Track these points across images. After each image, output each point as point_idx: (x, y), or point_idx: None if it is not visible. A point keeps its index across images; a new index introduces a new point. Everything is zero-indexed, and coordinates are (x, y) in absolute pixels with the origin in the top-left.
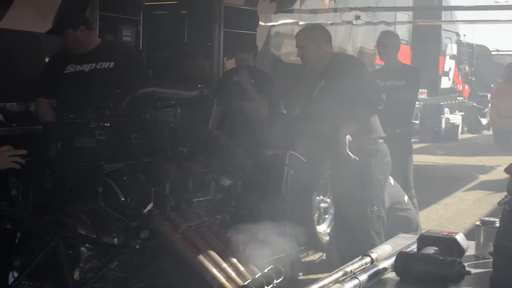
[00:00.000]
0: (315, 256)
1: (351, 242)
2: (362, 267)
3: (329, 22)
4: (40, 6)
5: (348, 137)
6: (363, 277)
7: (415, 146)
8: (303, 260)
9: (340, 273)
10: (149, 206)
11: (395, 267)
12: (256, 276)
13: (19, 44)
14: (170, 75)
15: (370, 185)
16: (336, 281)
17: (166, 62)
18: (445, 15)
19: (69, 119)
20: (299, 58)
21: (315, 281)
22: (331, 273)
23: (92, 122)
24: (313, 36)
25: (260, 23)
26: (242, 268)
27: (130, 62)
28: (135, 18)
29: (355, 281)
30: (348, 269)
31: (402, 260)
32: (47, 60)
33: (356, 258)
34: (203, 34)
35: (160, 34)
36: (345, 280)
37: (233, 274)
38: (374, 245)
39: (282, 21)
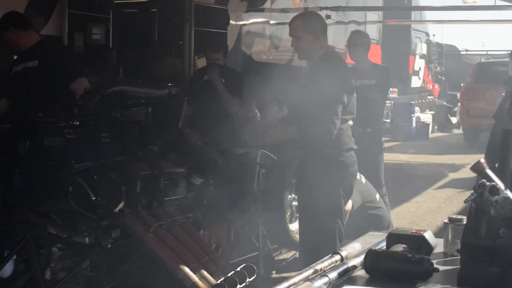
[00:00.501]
0: (288, 254)
1: (304, 251)
2: (332, 265)
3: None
4: (8, 3)
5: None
6: (333, 274)
7: (386, 144)
8: (276, 258)
9: (310, 271)
10: (120, 205)
11: (365, 264)
12: (229, 275)
13: None
14: (140, 73)
15: (329, 197)
16: (306, 279)
17: (137, 61)
18: (414, 15)
19: (38, 118)
20: (293, 48)
21: (285, 279)
22: (301, 271)
23: (61, 120)
24: (310, 25)
25: (231, 21)
26: (214, 267)
27: (55, 59)
28: (104, 16)
29: (325, 279)
30: (318, 267)
31: (371, 257)
32: None
33: (326, 256)
34: (173, 32)
35: (130, 32)
36: (315, 278)
37: (205, 273)
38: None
39: (253, 20)
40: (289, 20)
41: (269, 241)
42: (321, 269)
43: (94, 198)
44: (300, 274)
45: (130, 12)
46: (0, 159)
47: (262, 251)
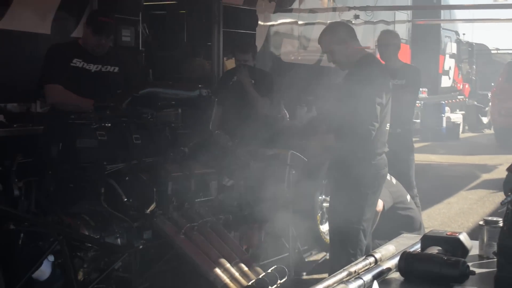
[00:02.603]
0: (318, 256)
1: (332, 252)
2: (366, 267)
3: (328, 22)
4: (39, 6)
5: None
6: (367, 277)
7: (416, 145)
8: (306, 260)
9: (344, 273)
10: (152, 206)
11: (399, 267)
12: (260, 276)
13: (18, 45)
14: (170, 75)
15: (358, 199)
16: (341, 281)
17: (166, 63)
18: (444, 14)
19: (70, 120)
20: (331, 63)
21: (319, 281)
22: (335, 273)
23: (93, 122)
24: (338, 36)
25: (259, 22)
26: (245, 268)
27: (132, 68)
28: (134, 18)
29: (360, 281)
30: (352, 269)
31: (406, 260)
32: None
33: (360, 258)
34: (202, 34)
35: (159, 34)
36: (350, 280)
37: (236, 274)
38: (349, 261)
39: (281, 21)
40: (317, 20)
41: (299, 242)
42: (355, 271)
43: (125, 200)
44: (334, 276)
45: (159, 14)
46: (34, 161)
47: (293, 252)
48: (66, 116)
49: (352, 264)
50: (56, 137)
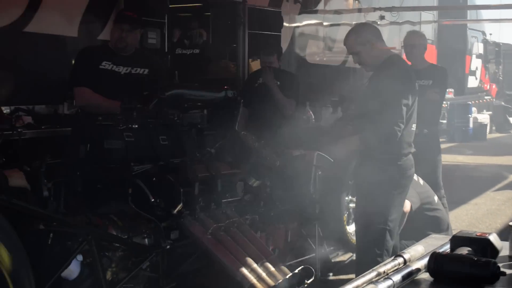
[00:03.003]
0: (344, 257)
1: (358, 253)
2: (395, 268)
3: (353, 23)
4: (67, 9)
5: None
6: (397, 277)
7: (443, 146)
8: (332, 260)
9: (373, 274)
10: (179, 207)
11: (429, 267)
12: (287, 277)
13: (46, 48)
14: (195, 77)
15: (384, 200)
16: (370, 281)
17: (191, 64)
18: (470, 14)
19: (98, 121)
20: (357, 64)
21: (348, 281)
22: (364, 273)
23: (120, 123)
24: (363, 37)
25: (285, 24)
26: (272, 269)
27: (160, 70)
28: (160, 20)
29: (389, 282)
30: (381, 269)
31: (436, 260)
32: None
33: (389, 259)
34: (227, 35)
35: (185, 36)
36: (379, 280)
37: (263, 275)
38: (375, 261)
39: (306, 22)
40: (342, 22)
41: (325, 243)
42: (384, 272)
43: (153, 200)
44: (363, 276)
45: (184, 16)
46: (62, 162)
47: (319, 253)
48: (93, 118)
49: (381, 264)
50: (84, 138)
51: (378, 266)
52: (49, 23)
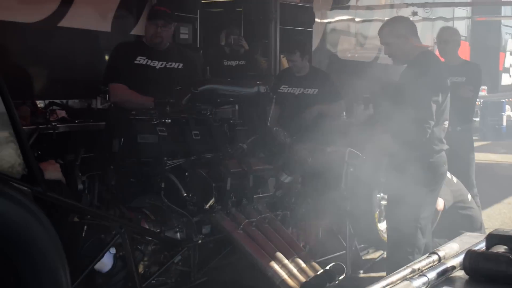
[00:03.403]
0: (375, 254)
1: (389, 250)
2: (430, 265)
3: (386, 19)
4: (100, 5)
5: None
6: (432, 274)
7: (475, 144)
8: (363, 258)
9: (407, 270)
10: (211, 202)
11: (464, 265)
12: (318, 273)
13: (80, 42)
14: (226, 72)
15: (416, 197)
16: (404, 278)
17: (223, 60)
18: (505, 10)
19: (132, 116)
20: (389, 61)
21: (381, 278)
22: (398, 270)
23: (153, 118)
24: (398, 31)
25: (316, 19)
26: (303, 265)
27: (194, 64)
28: (192, 15)
29: (424, 279)
30: (416, 266)
31: (471, 258)
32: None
33: (423, 256)
34: (259, 31)
35: (216, 31)
36: (413, 277)
37: (294, 271)
38: (406, 259)
39: (338, 18)
40: (374, 18)
41: (356, 240)
42: (418, 269)
43: (185, 195)
44: (397, 273)
45: (216, 12)
46: (96, 155)
47: (350, 250)
48: (127, 112)
49: (416, 261)
50: (118, 132)
51: (412, 263)
52: (83, 18)
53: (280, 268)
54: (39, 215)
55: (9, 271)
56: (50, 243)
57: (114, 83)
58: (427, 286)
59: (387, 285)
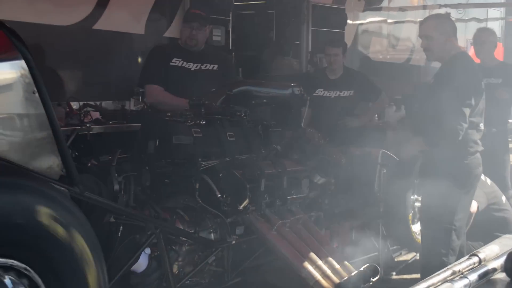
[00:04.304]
0: (408, 256)
1: (423, 252)
2: (470, 267)
3: (418, 20)
4: (134, 7)
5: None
6: (473, 276)
7: (510, 145)
8: (395, 259)
9: (448, 272)
10: (245, 203)
11: (506, 267)
12: (353, 274)
13: (114, 45)
14: (258, 74)
15: (450, 199)
16: (445, 280)
17: (255, 62)
18: None
19: (167, 117)
20: (421, 63)
21: (423, 279)
22: (438, 272)
23: (188, 120)
24: (444, 27)
25: (348, 21)
26: (337, 266)
27: (229, 66)
28: (224, 18)
29: (465, 281)
30: (456, 268)
31: None
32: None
33: (463, 258)
34: (291, 33)
35: (248, 33)
36: (455, 279)
37: (328, 272)
38: (440, 261)
39: (370, 19)
40: (407, 19)
41: (389, 242)
42: (459, 271)
43: (219, 195)
44: (438, 275)
45: (248, 14)
46: (132, 156)
47: (382, 251)
48: (163, 114)
49: (456, 263)
50: (153, 133)
51: (452, 264)
52: (117, 21)
53: (314, 269)
54: (78, 215)
55: (49, 269)
56: (88, 243)
57: (150, 84)
58: None
59: (428, 286)
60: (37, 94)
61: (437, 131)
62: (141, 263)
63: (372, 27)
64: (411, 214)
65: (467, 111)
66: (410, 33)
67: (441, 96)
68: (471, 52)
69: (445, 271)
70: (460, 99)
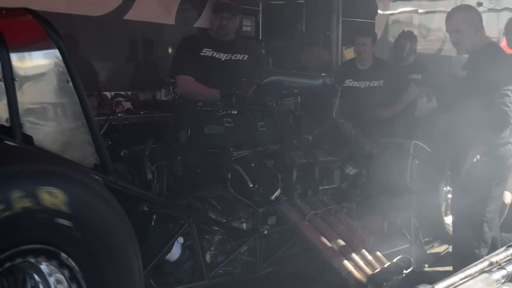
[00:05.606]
0: (440, 248)
1: (455, 244)
2: (508, 258)
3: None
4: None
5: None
6: (511, 268)
7: None
8: (428, 252)
9: (485, 263)
10: (277, 193)
11: None
12: (385, 266)
13: (144, 35)
14: (288, 64)
15: (482, 190)
16: (483, 271)
17: (284, 52)
18: None
19: (199, 107)
20: (452, 53)
21: (461, 270)
22: (476, 262)
23: (220, 109)
24: (472, 19)
25: (379, 11)
26: (370, 257)
27: (259, 56)
28: (254, 8)
29: (503, 272)
30: (494, 259)
31: None
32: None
33: (500, 249)
34: (321, 23)
35: (278, 24)
36: (492, 270)
37: (361, 263)
38: (472, 253)
39: (401, 9)
40: (438, 9)
41: (421, 233)
42: (496, 262)
43: (251, 185)
44: (475, 265)
45: (278, 4)
46: (164, 146)
47: (414, 243)
48: (194, 104)
49: (493, 254)
50: (185, 123)
51: (490, 255)
52: (148, 11)
53: (347, 260)
54: (114, 203)
55: (88, 257)
56: (124, 231)
57: (182, 75)
58: (506, 279)
59: (466, 277)
60: (71, 84)
61: (487, 123)
62: (175, 252)
63: (403, 17)
64: (443, 205)
65: (509, 92)
66: (441, 24)
67: (482, 82)
68: (503, 43)
69: (482, 261)
70: (503, 83)
